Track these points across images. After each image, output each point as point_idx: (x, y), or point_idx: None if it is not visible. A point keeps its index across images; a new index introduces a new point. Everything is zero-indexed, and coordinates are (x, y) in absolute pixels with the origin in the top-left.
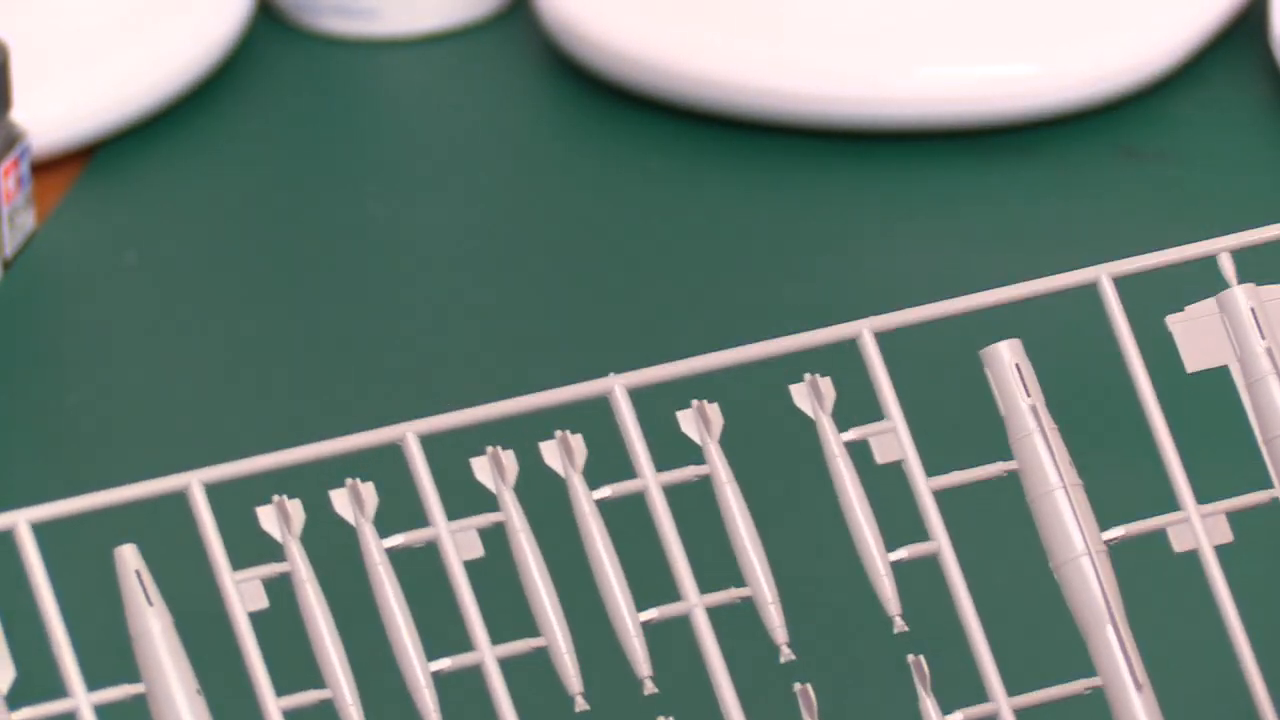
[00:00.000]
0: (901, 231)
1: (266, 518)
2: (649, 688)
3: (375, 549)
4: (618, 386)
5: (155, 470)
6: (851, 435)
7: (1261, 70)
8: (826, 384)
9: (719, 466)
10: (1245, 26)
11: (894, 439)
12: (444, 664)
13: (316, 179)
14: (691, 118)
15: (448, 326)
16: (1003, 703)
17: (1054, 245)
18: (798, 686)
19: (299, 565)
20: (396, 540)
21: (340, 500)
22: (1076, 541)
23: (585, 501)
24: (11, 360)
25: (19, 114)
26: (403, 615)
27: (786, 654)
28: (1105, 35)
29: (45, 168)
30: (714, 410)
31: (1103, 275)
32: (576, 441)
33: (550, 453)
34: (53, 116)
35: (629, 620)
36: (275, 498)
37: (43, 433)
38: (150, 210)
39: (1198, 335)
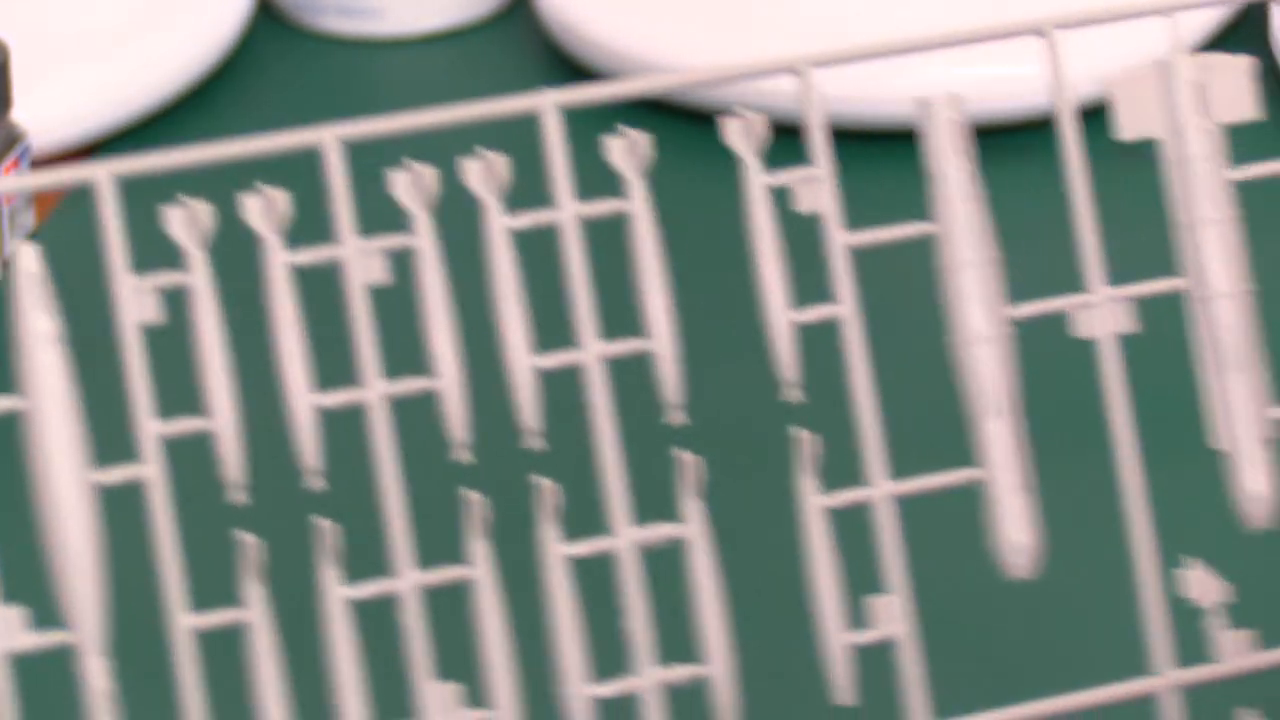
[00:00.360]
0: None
1: (175, 220)
2: (537, 442)
3: (279, 262)
4: (550, 103)
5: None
6: (778, 179)
7: (1261, 70)
8: (760, 122)
9: (640, 204)
10: (1245, 26)
11: (819, 189)
12: (333, 399)
13: (316, 179)
14: (691, 118)
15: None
16: (882, 487)
17: (1054, 245)
18: (681, 454)
19: (200, 275)
20: (302, 257)
21: (252, 208)
22: (982, 320)
23: (498, 227)
24: (10, 360)
25: (19, 114)
26: (297, 342)
27: (678, 416)
28: (1105, 35)
29: (45, 167)
30: (644, 141)
31: (1049, 27)
32: (499, 162)
33: (473, 173)
34: (53, 116)
35: (525, 369)
36: (183, 199)
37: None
38: (150, 210)
39: (1135, 101)
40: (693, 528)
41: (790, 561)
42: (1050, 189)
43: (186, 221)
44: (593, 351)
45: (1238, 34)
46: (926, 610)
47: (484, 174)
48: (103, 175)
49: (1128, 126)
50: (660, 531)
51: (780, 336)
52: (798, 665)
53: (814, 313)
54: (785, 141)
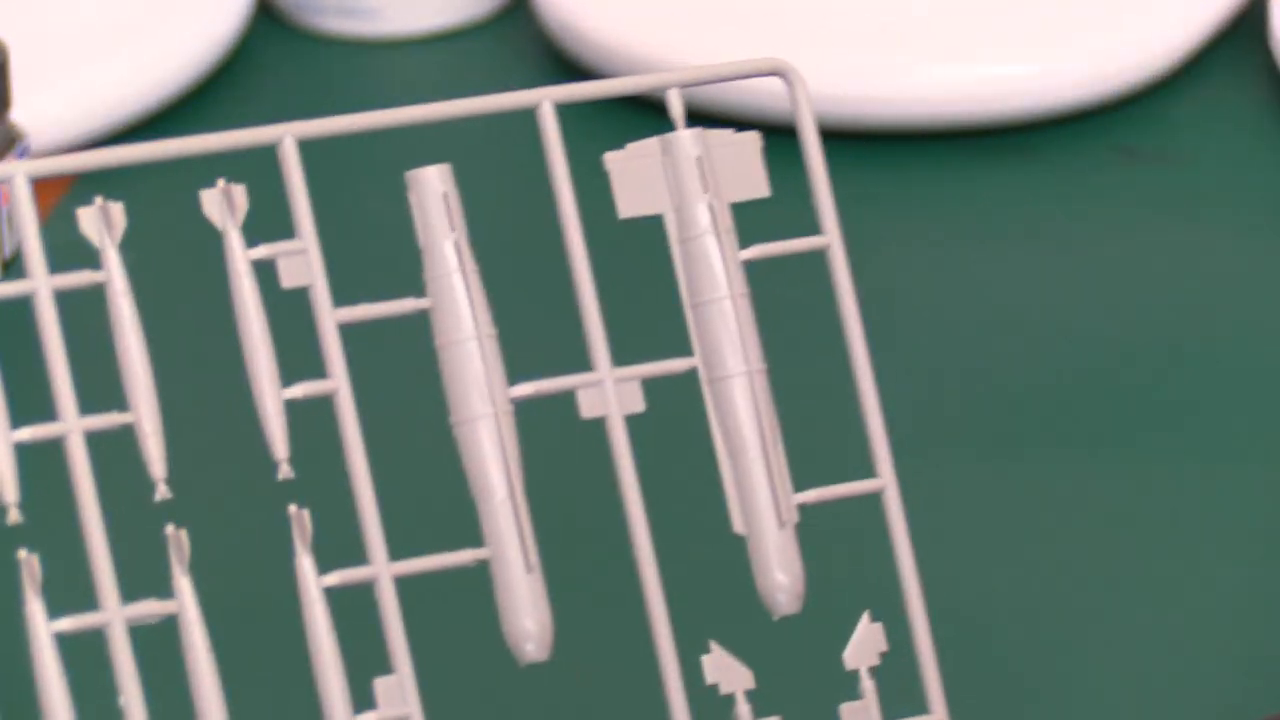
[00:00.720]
0: (901, 231)
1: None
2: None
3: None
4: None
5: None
6: (260, 253)
7: (1261, 70)
8: (240, 192)
9: (115, 273)
10: (1245, 26)
11: (303, 261)
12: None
13: (316, 178)
14: (691, 118)
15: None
16: (383, 567)
17: (1054, 245)
18: (169, 530)
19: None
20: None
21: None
22: (481, 399)
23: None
24: (11, 360)
25: (19, 114)
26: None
27: (162, 492)
28: (1105, 35)
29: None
30: (117, 210)
31: (545, 100)
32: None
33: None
34: (53, 116)
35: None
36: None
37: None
38: (149, 210)
39: (636, 177)
40: (185, 602)
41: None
42: (1050, 189)
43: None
44: (74, 425)
45: (1238, 34)
46: (452, 691)
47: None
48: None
49: (627, 204)
50: (149, 608)
51: (268, 417)
52: None
53: (303, 388)
54: (785, 141)
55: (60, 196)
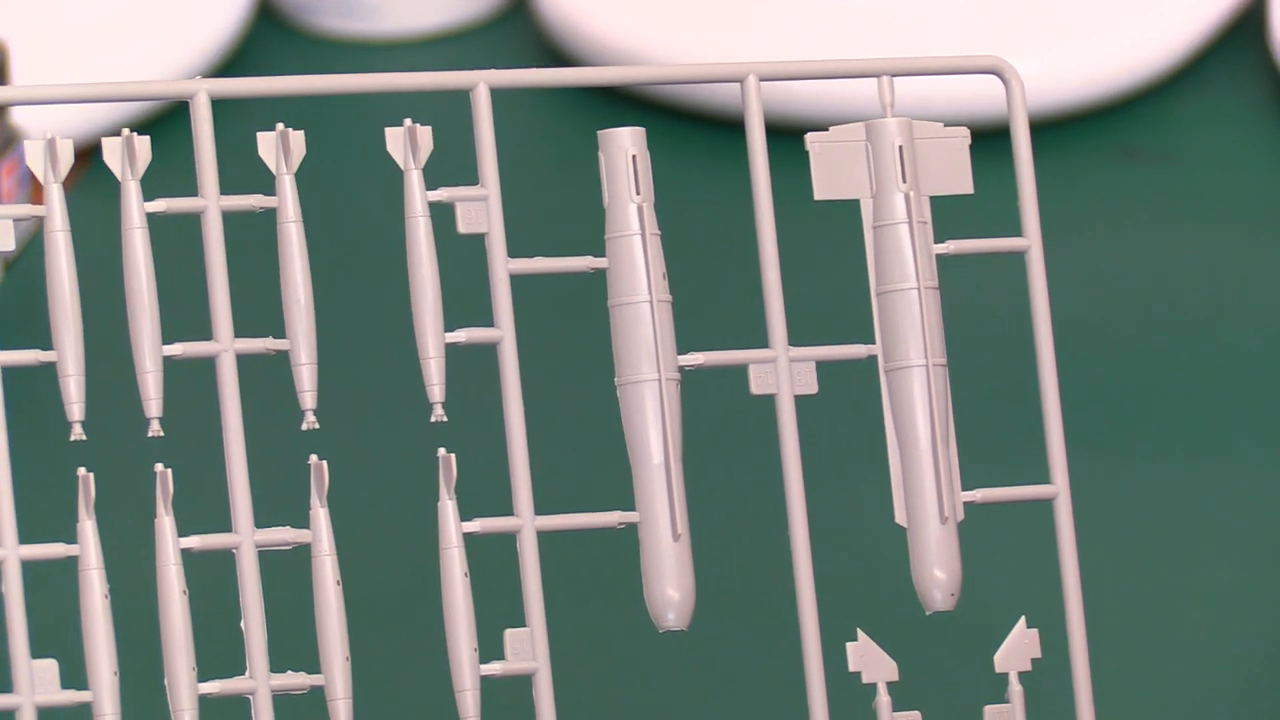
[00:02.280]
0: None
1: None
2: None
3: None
4: (202, 91)
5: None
6: (440, 195)
7: (1261, 70)
8: (425, 134)
9: (288, 200)
10: (1245, 26)
11: (482, 208)
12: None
13: (316, 178)
14: (691, 118)
15: (446, 323)
16: (527, 519)
17: (1054, 245)
18: (312, 459)
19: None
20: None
21: (110, 151)
22: (649, 363)
23: (135, 213)
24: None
25: (19, 114)
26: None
27: (310, 421)
28: (1105, 35)
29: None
30: (297, 139)
31: (750, 75)
32: (141, 144)
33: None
34: (53, 116)
35: (148, 356)
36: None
37: (43, 431)
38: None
39: (835, 160)
40: (320, 533)
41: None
42: (1048, 189)
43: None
44: (227, 345)
45: (1238, 34)
46: (588, 649)
47: (124, 153)
48: None
49: (824, 187)
50: (282, 535)
51: (429, 355)
52: (432, 692)
53: (465, 334)
54: (785, 141)
55: (74, 182)
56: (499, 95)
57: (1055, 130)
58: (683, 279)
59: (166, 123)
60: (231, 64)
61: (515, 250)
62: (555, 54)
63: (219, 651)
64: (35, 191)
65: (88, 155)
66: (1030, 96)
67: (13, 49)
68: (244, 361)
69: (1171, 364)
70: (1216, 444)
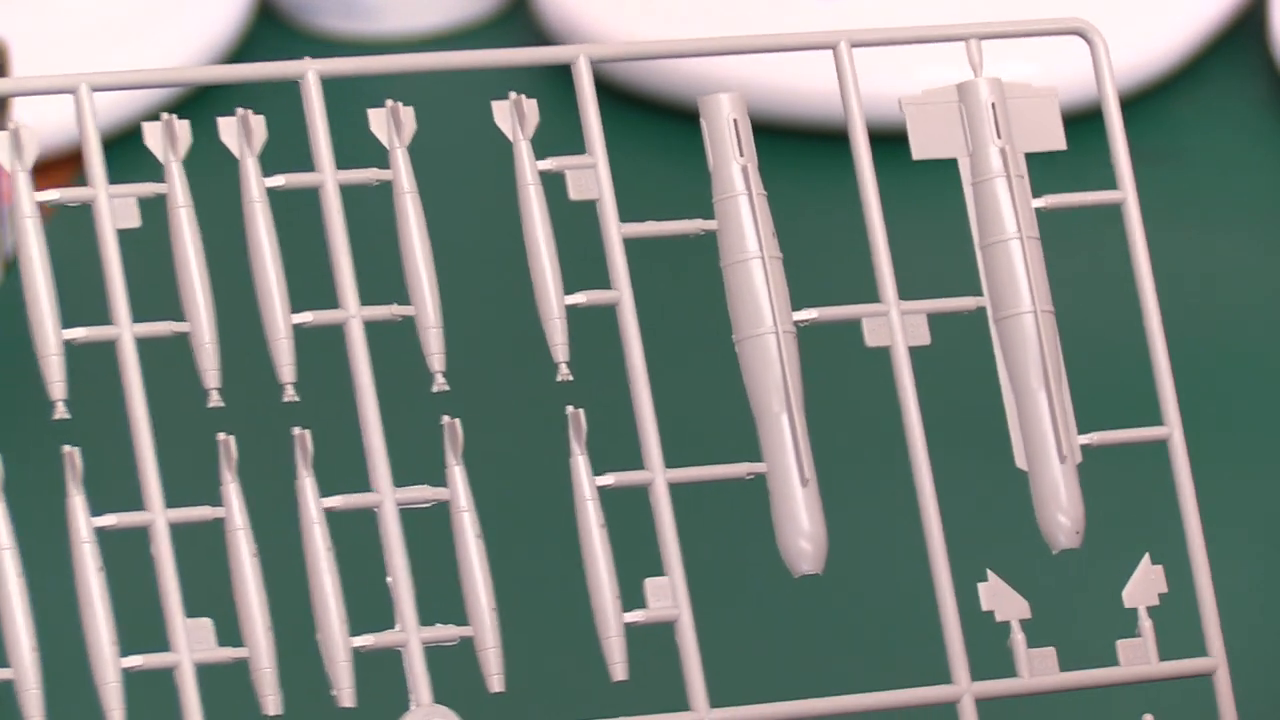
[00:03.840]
0: (901, 231)
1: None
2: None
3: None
4: (310, 71)
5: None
6: (548, 165)
7: (1261, 70)
8: (531, 106)
9: (402, 172)
10: (1245, 27)
11: (592, 175)
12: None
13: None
14: (691, 118)
15: (446, 323)
16: (658, 473)
17: (1055, 244)
18: (444, 420)
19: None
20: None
21: (227, 130)
22: (766, 317)
23: (255, 187)
24: (12, 360)
25: (19, 114)
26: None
27: (440, 383)
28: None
29: (45, 168)
30: (407, 114)
31: (842, 41)
32: (256, 122)
33: (226, 130)
34: (53, 116)
35: (281, 323)
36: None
37: (43, 431)
38: (150, 210)
39: (931, 121)
40: (457, 490)
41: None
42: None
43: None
44: (355, 312)
45: (1238, 34)
46: (726, 597)
47: (240, 131)
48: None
49: (921, 146)
50: (421, 493)
51: (550, 321)
52: (575, 640)
53: (586, 296)
54: (786, 141)
55: (68, 183)
56: (503, 95)
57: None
58: (702, 273)
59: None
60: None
61: (512, 243)
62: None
63: (367, 607)
64: (44, 184)
65: (82, 157)
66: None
67: (13, 48)
68: (371, 329)
69: (1172, 363)
70: (1218, 442)
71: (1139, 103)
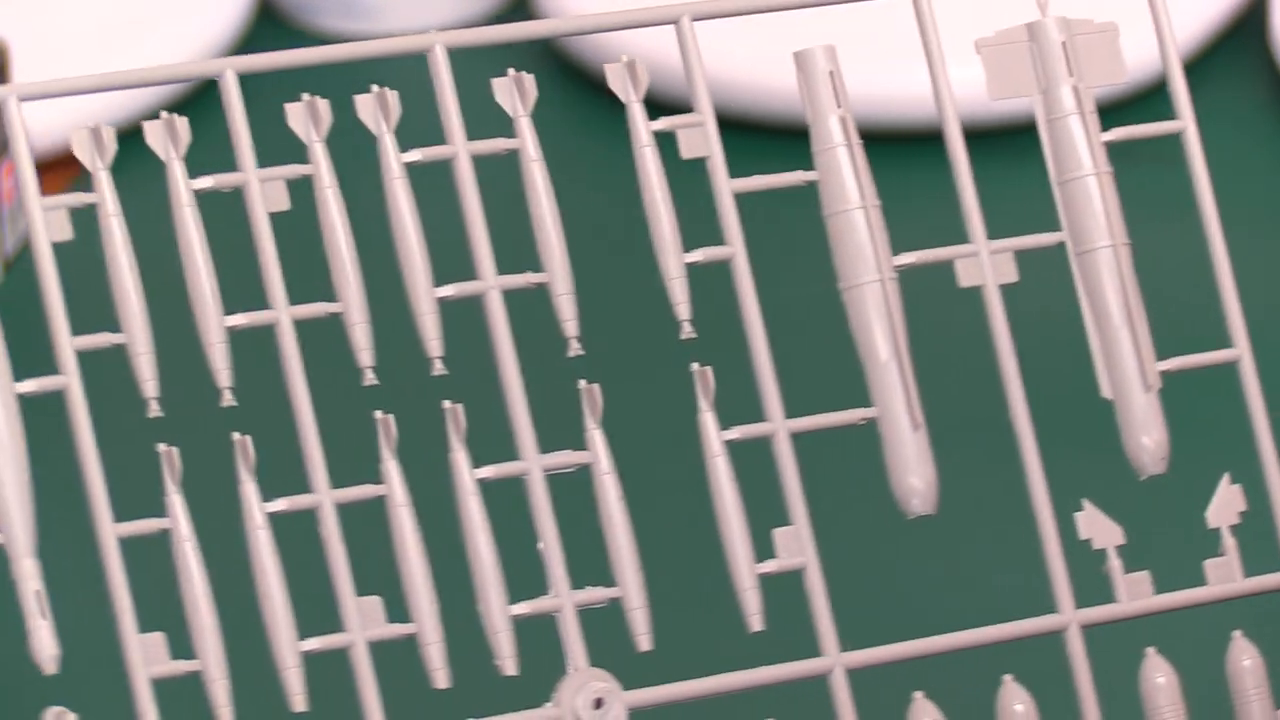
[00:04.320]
0: (902, 231)
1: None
2: (438, 368)
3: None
4: (438, 45)
5: (156, 469)
6: (660, 125)
7: (1261, 70)
8: (642, 70)
9: (528, 141)
10: (1245, 27)
11: (701, 133)
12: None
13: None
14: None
15: (447, 323)
16: (780, 423)
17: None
18: (581, 385)
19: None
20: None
21: (365, 107)
22: (868, 265)
23: (394, 163)
24: (12, 359)
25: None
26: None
27: (575, 349)
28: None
29: (45, 168)
30: (529, 81)
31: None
32: (391, 98)
33: (366, 108)
34: (53, 116)
35: (425, 298)
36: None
37: (44, 431)
38: (150, 210)
39: (1005, 62)
40: (599, 453)
41: (701, 494)
42: (1047, 189)
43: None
44: (491, 283)
45: (1238, 34)
46: (835, 544)
47: (377, 108)
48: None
49: (996, 87)
50: (565, 458)
51: (671, 280)
52: (711, 592)
53: (703, 253)
54: (786, 141)
55: (68, 183)
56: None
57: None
58: (702, 273)
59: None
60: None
61: (513, 243)
62: (555, 53)
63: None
64: (46, 184)
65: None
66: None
67: (13, 49)
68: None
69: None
70: (1218, 442)
71: (1139, 102)
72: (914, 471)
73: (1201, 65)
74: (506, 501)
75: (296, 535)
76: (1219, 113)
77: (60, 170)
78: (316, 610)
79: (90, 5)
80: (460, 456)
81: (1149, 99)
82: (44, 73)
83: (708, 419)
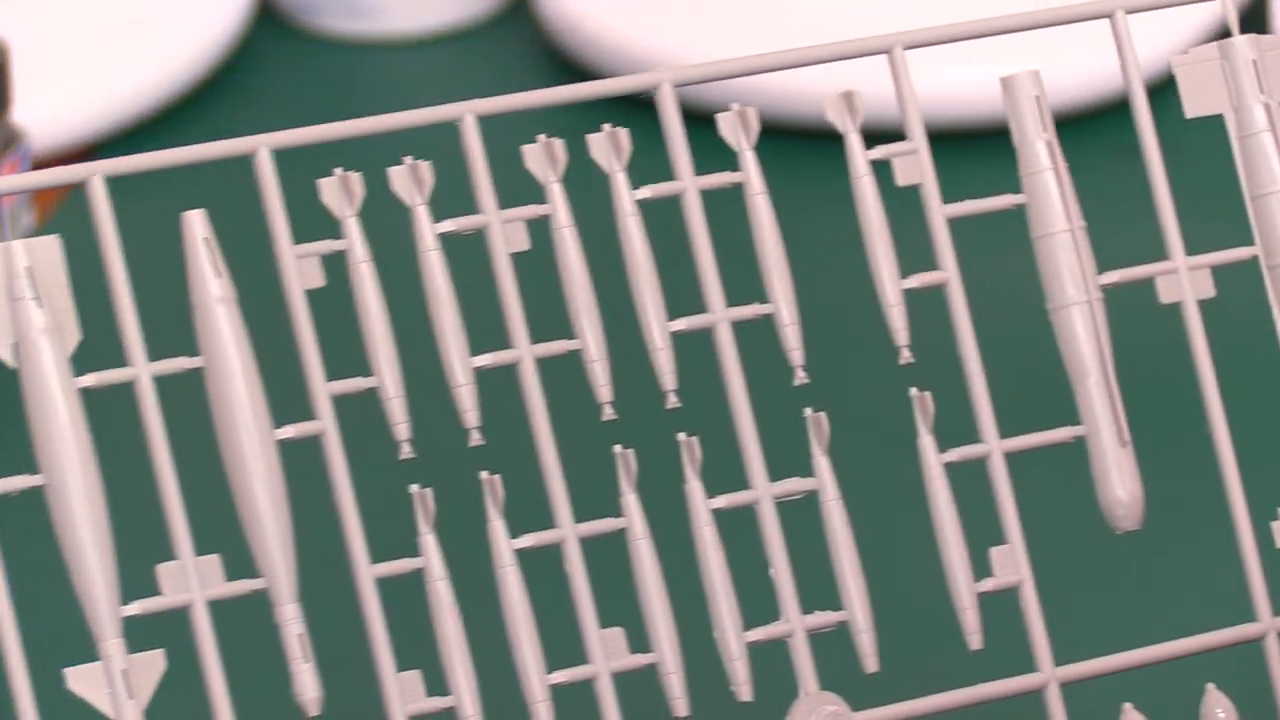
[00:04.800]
0: (902, 231)
1: (329, 190)
2: (672, 401)
3: (428, 231)
4: (666, 84)
5: (152, 477)
6: (876, 154)
7: None
8: (859, 98)
9: (752, 173)
10: (1245, 27)
11: (915, 161)
12: (484, 360)
13: (316, 178)
14: (691, 118)
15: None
16: (994, 444)
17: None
18: (808, 413)
19: (356, 242)
20: (447, 225)
21: (399, 178)
22: (1075, 288)
23: (626, 201)
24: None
25: (19, 114)
26: (450, 307)
27: (801, 377)
28: (1106, 36)
29: (45, 168)
30: (751, 114)
31: (1117, 10)
32: (622, 136)
33: (597, 147)
34: (53, 116)
35: (657, 333)
36: (337, 170)
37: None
38: (150, 210)
39: (1199, 79)
40: (825, 480)
41: (917, 516)
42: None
43: (340, 190)
44: (719, 316)
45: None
46: (1044, 560)
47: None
48: (262, 148)
49: (1192, 105)
50: (794, 485)
51: (889, 307)
52: (930, 613)
53: (919, 279)
54: (786, 141)
55: (61, 196)
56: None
57: (1056, 130)
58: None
59: (165, 123)
60: (232, 64)
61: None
62: (555, 54)
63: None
64: (38, 195)
65: (84, 156)
66: (1058, 94)
67: (13, 49)
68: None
69: (1172, 362)
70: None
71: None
72: (1121, 486)
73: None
74: (733, 529)
75: (534, 568)
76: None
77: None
78: (553, 643)
79: (90, 5)
80: (695, 488)
81: (1151, 99)
82: (44, 73)
83: (927, 442)
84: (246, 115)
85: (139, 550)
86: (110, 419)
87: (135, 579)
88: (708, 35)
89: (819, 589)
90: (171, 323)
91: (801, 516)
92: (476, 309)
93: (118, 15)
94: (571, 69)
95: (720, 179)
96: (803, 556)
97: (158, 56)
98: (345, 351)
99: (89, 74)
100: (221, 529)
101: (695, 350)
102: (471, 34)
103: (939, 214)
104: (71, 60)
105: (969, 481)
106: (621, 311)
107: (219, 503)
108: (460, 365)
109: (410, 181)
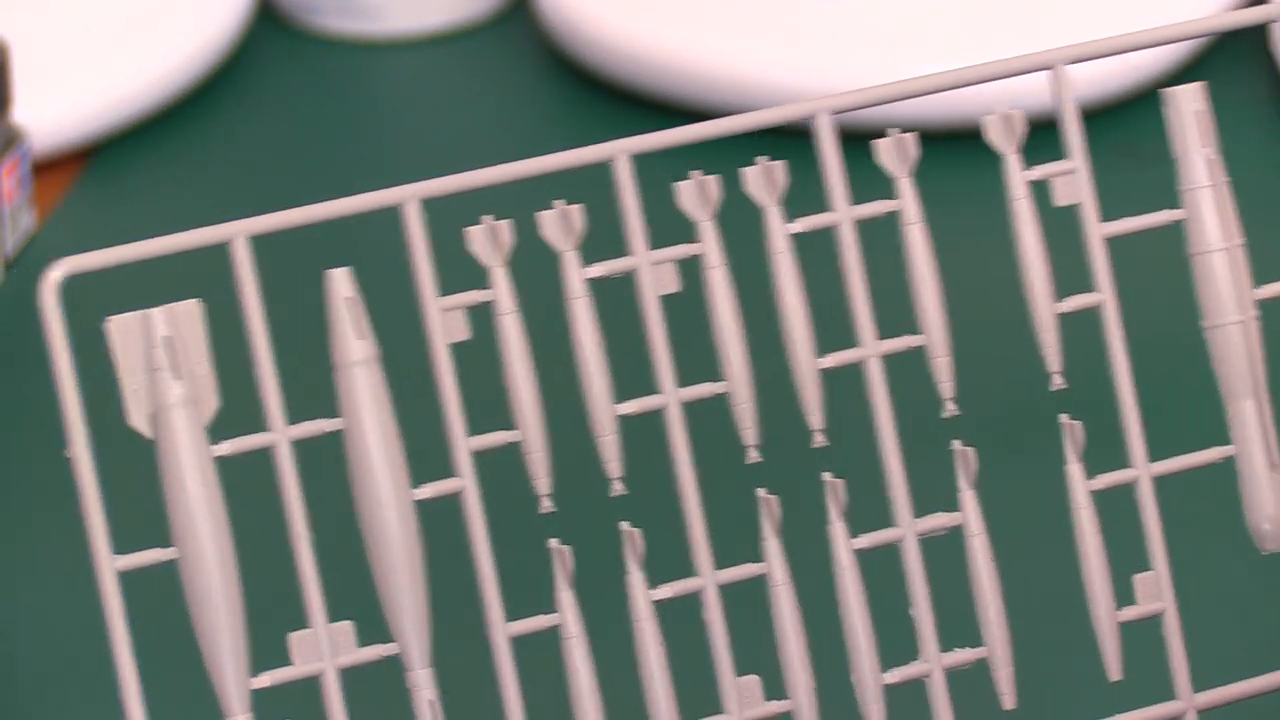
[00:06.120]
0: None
1: (477, 239)
2: (818, 440)
3: (577, 277)
4: (823, 113)
5: (150, 477)
6: (1035, 174)
7: (1261, 70)
8: (1018, 119)
9: (910, 204)
10: (1246, 30)
11: (1073, 180)
12: (629, 407)
13: (317, 178)
14: (691, 118)
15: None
16: (1143, 469)
17: (1055, 245)
18: (956, 446)
19: (504, 294)
20: (596, 270)
21: (549, 224)
22: (1230, 306)
23: (779, 236)
24: (12, 359)
25: (19, 114)
26: (596, 353)
27: (951, 409)
28: (1106, 36)
29: (45, 168)
30: (909, 142)
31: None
32: (778, 170)
33: (753, 181)
34: (53, 116)
35: (806, 370)
36: (484, 218)
37: (44, 431)
38: (150, 210)
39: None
40: (969, 516)
41: (1052, 544)
42: (1047, 189)
43: (488, 239)
44: (872, 349)
45: (1238, 39)
46: (1188, 585)
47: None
48: (410, 199)
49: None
50: (938, 521)
51: (1045, 326)
52: (1067, 643)
53: (1075, 302)
54: (786, 141)
55: (61, 196)
56: (503, 96)
57: (1056, 130)
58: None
59: (165, 123)
60: (232, 64)
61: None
62: (556, 54)
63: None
64: (37, 192)
65: (84, 156)
66: (1031, 97)
67: (13, 49)
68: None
69: (1172, 362)
70: (1219, 442)
71: (1138, 103)
72: (1270, 507)
73: (1201, 65)
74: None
75: (664, 611)
76: (1219, 113)
77: (58, 171)
78: (686, 690)
79: (90, 5)
80: (839, 529)
81: (1149, 99)
82: (44, 73)
83: (1075, 470)
84: (246, 115)
85: (259, 613)
86: (233, 475)
87: (259, 644)
88: (708, 35)
89: (947, 624)
90: (292, 380)
91: (931, 551)
92: (628, 353)
93: (118, 15)
94: (571, 69)
95: (877, 208)
96: (939, 589)
97: (158, 56)
98: (470, 401)
99: (89, 74)
100: (337, 585)
101: (839, 382)
102: (471, 34)
103: (1097, 233)
104: (71, 60)
105: (1102, 504)
106: (756, 339)
107: (330, 561)
108: (605, 415)
109: (560, 227)
